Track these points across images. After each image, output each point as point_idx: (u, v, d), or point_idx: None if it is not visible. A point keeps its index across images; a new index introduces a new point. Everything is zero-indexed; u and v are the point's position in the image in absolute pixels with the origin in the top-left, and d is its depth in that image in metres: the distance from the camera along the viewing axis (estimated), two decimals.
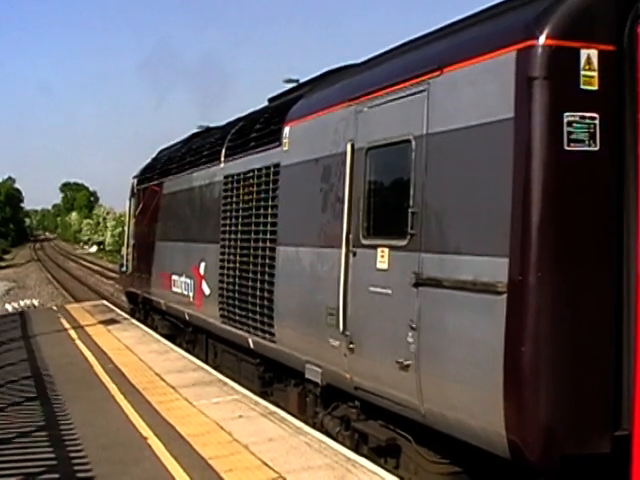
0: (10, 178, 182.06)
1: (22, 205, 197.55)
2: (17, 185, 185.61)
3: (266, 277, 12.06)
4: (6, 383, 13.58)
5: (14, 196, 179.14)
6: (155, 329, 20.94)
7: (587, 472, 6.93)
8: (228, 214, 14.24)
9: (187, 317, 17.36)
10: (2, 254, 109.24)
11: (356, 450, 9.65)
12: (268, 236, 12.13)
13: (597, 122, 6.66)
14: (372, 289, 8.81)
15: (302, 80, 13.88)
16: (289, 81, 14.35)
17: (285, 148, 11.77)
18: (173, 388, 12.99)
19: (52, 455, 9.35)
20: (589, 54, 6.65)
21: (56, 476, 8.68)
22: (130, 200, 24.96)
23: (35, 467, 8.93)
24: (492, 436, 6.93)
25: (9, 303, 37.71)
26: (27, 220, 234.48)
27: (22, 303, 37.16)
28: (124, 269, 25.55)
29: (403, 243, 8.23)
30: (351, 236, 9.36)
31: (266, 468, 8.75)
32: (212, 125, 19.96)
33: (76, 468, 8.90)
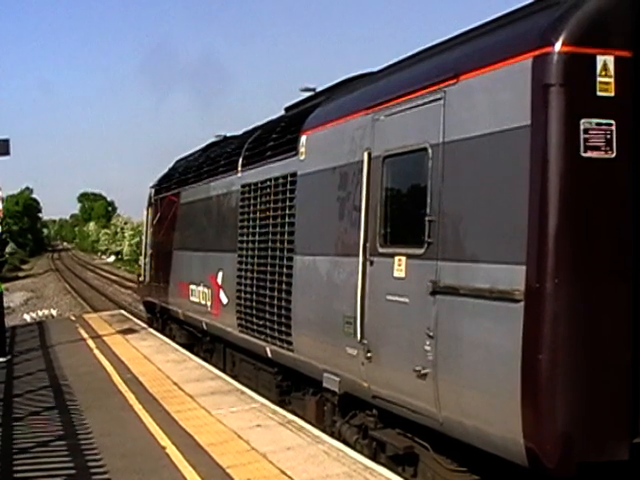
0: (28, 188, 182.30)
1: (40, 215, 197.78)
2: (35, 195, 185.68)
3: (283, 286, 12.07)
4: (25, 393, 13.64)
5: (32, 206, 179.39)
6: (173, 338, 20.99)
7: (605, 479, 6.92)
8: (245, 223, 14.26)
9: (205, 326, 17.38)
10: (20, 264, 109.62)
11: (374, 458, 9.64)
12: (285, 245, 12.15)
13: (614, 129, 6.65)
14: (389, 297, 8.81)
15: (319, 89, 13.90)
16: (306, 90, 14.36)
17: (302, 157, 11.79)
18: (191, 397, 13.01)
19: (71, 464, 9.39)
20: (605, 60, 6.64)
21: None
22: (147, 210, 25.04)
23: (54, 477, 8.98)
24: (510, 444, 6.90)
25: (27, 313, 37.82)
26: (45, 230, 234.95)
27: (40, 313, 37.23)
28: (142, 279, 25.61)
29: (420, 251, 8.22)
30: (368, 245, 9.35)
31: (284, 477, 8.75)
32: (229, 134, 20.02)
33: (94, 478, 8.95)
